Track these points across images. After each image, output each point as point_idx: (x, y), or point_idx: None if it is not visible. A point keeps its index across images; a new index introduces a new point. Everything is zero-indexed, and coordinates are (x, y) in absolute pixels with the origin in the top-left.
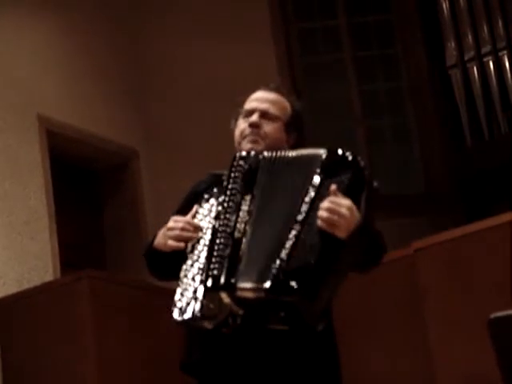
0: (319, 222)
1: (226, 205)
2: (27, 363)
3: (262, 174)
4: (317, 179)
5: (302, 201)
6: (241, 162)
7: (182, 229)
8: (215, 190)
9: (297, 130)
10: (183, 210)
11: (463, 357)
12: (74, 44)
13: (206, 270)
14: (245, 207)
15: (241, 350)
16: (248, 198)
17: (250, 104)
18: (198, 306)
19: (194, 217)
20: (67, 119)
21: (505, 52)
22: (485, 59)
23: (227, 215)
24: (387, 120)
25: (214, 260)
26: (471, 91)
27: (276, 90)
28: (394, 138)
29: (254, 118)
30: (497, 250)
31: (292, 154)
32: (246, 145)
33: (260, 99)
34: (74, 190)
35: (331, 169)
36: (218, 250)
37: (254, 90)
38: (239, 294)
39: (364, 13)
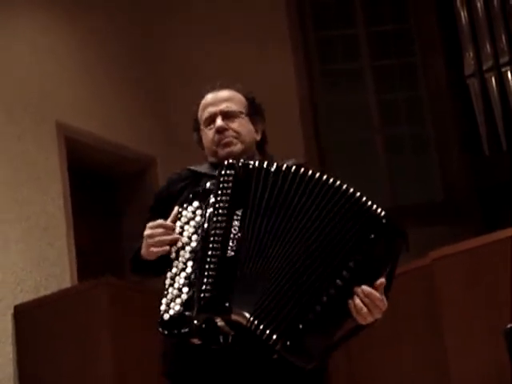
0: (354, 310)
1: (215, 218)
2: (44, 369)
3: (256, 188)
4: (367, 247)
5: (344, 263)
6: (230, 172)
7: (161, 233)
8: (199, 190)
9: (260, 116)
10: (159, 207)
11: (479, 365)
12: (93, 50)
13: (197, 290)
14: (236, 223)
15: (224, 364)
16: (240, 212)
17: (206, 111)
18: (187, 323)
19: (176, 219)
20: (85, 126)
21: None
22: (503, 69)
23: (218, 231)
24: (405, 129)
25: (205, 280)
26: (489, 100)
27: (223, 86)
28: (412, 147)
29: (219, 122)
30: None
31: (300, 175)
32: (223, 150)
33: (214, 102)
34: (92, 197)
35: (381, 238)
36: (209, 269)
37: (272, 99)
38: (234, 318)
39: (383, 22)
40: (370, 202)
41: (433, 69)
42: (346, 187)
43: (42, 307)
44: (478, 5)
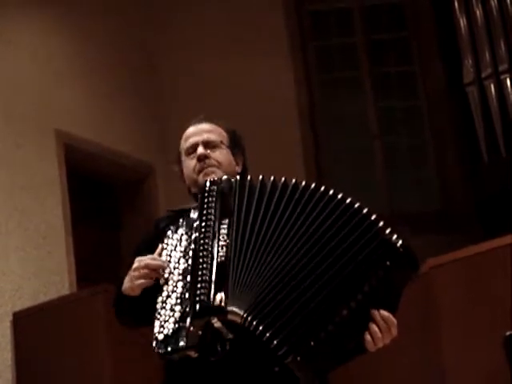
0: (368, 336)
1: (203, 230)
2: (42, 375)
3: (241, 199)
4: (383, 273)
5: (359, 285)
6: (213, 187)
7: (147, 265)
8: (181, 220)
9: (240, 150)
10: (145, 247)
11: (478, 373)
12: (92, 59)
13: (192, 297)
14: (223, 231)
15: (223, 378)
16: (226, 221)
17: (188, 142)
18: (183, 336)
19: (161, 251)
20: (85, 134)
21: None
22: (502, 76)
23: (206, 240)
24: (404, 137)
25: (199, 285)
26: (488, 108)
27: (205, 120)
28: (410, 155)
29: (200, 150)
30: None
31: (293, 186)
32: (204, 178)
33: (196, 133)
34: (91, 205)
35: (394, 268)
36: (202, 274)
37: (271, 108)
38: (230, 317)
39: (381, 30)
40: (381, 223)
41: (432, 77)
42: (359, 207)
43: (40, 314)
44: (477, 12)
